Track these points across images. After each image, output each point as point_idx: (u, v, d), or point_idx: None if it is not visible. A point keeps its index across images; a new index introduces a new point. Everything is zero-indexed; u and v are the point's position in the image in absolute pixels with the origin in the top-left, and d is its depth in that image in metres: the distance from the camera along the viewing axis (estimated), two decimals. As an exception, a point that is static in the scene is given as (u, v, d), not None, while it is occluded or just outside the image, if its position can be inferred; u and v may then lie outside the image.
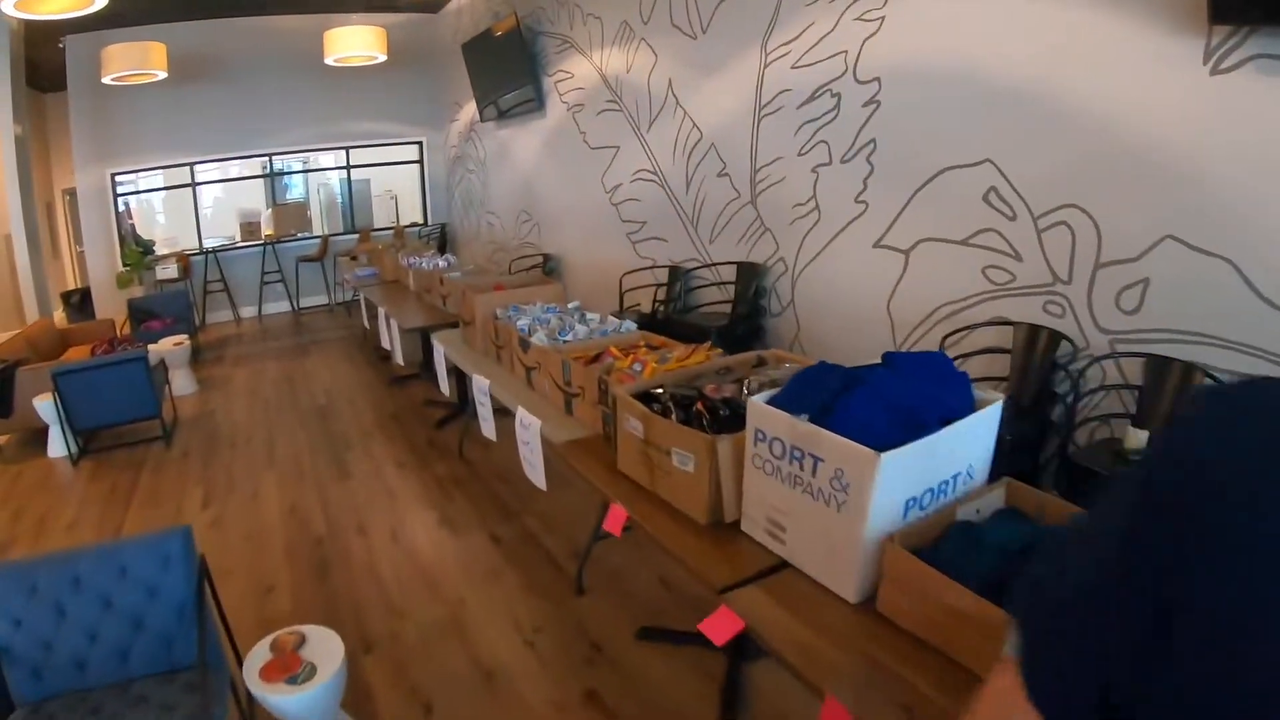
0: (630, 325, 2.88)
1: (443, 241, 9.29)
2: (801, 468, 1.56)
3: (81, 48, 7.62)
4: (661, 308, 4.65)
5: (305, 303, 9.24)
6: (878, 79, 3.27)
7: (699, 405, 1.91)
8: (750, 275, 4.08)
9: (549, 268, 6.66)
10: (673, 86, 4.64)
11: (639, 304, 4.82)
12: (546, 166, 6.68)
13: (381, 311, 4.74)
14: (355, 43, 6.75)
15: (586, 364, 2.51)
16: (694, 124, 4.50)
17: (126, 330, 6.86)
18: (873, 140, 3.34)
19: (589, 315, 3.02)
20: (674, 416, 1.91)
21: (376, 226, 9.53)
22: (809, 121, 3.64)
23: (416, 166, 9.67)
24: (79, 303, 8.79)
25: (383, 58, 6.95)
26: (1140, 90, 2.43)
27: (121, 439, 4.86)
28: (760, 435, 1.65)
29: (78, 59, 7.70)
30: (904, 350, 3.39)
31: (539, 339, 2.76)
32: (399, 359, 4.57)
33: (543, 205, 6.89)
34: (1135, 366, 2.58)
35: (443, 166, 9.60)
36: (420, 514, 3.55)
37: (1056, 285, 2.79)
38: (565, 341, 2.78)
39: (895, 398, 1.62)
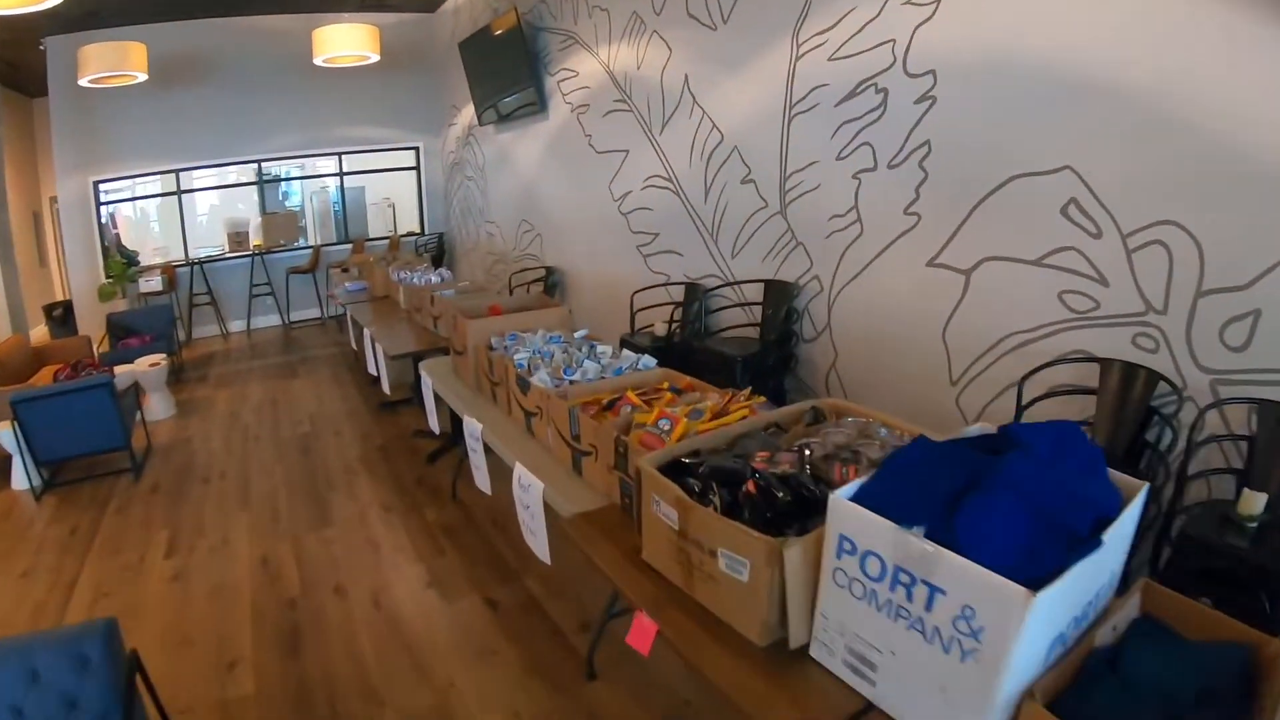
0: (649, 361, 2.45)
1: (440, 252, 8.86)
2: (909, 597, 1.13)
3: (61, 50, 7.21)
4: (678, 330, 4.20)
5: (296, 316, 8.82)
6: (932, 72, 2.84)
7: (749, 486, 1.47)
8: (781, 295, 3.63)
9: (552, 281, 6.22)
10: (689, 83, 4.20)
11: (652, 325, 4.37)
12: (549, 172, 6.25)
13: (367, 333, 4.31)
14: (346, 42, 6.33)
15: (598, 413, 2.08)
16: (714, 125, 4.06)
17: (104, 347, 6.45)
18: (926, 142, 2.90)
19: (599, 348, 2.59)
20: (716, 500, 1.48)
21: (372, 236, 9.13)
22: (849, 121, 3.20)
23: (413, 173, 9.25)
24: (62, 317, 8.38)
25: (375, 58, 6.53)
26: (1257, 88, 2.00)
27: (89, 470, 4.45)
28: (848, 546, 1.22)
29: (58, 61, 7.31)
30: (998, 411, 2.94)
31: (541, 379, 2.33)
32: (386, 388, 4.15)
33: (545, 214, 6.46)
34: (1239, 412, 2.16)
35: (440, 174, 9.18)
36: (406, 572, 3.11)
37: (1149, 315, 2.36)
38: (571, 382, 2.34)
39: (1039, 498, 1.20)
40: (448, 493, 3.79)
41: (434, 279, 4.93)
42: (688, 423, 1.77)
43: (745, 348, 3.56)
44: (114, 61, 6.29)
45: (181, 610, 2.96)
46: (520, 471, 2.12)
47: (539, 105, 6.02)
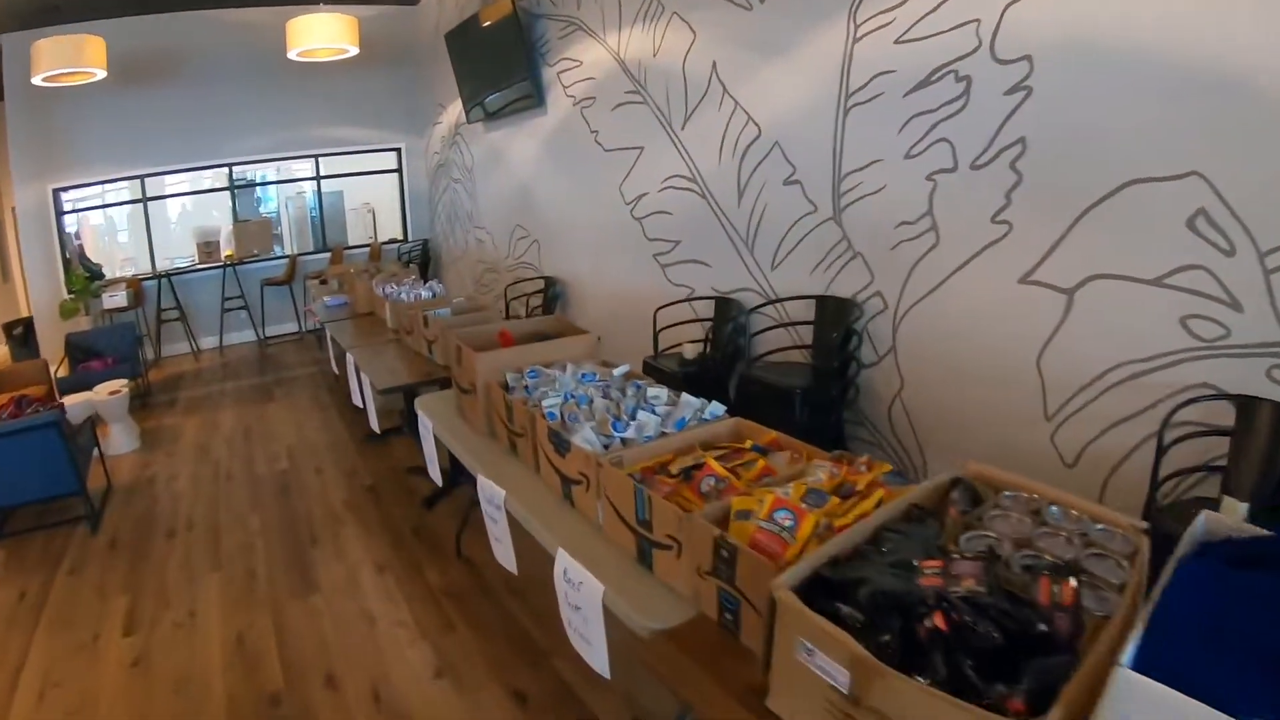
0: (716, 409, 1.98)
1: (425, 260, 8.33)
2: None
3: (17, 47, 6.61)
4: (710, 352, 3.71)
5: (272, 331, 8.25)
6: (1027, 57, 2.41)
7: (937, 620, 1.02)
8: (838, 315, 3.16)
9: (552, 294, 5.73)
10: (717, 71, 3.73)
11: (679, 345, 3.88)
12: (548, 173, 5.76)
13: (351, 359, 3.79)
14: (322, 33, 5.79)
15: (676, 489, 1.61)
16: (749, 117, 3.58)
17: (64, 371, 5.87)
18: (1020, 140, 2.47)
19: (651, 391, 2.12)
20: (889, 640, 1.03)
21: (351, 244, 8.58)
22: (922, 114, 2.75)
23: (394, 176, 8.72)
24: (23, 336, 7.74)
25: (354, 50, 6.00)
26: None
27: (41, 518, 3.91)
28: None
29: (13, 60, 6.71)
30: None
31: (585, 438, 1.85)
32: (374, 424, 3.64)
33: (543, 219, 5.96)
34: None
35: (424, 176, 8.66)
36: (410, 654, 2.61)
37: (1288, 345, 1.98)
38: (624, 440, 1.87)
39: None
40: (450, 547, 3.28)
41: (424, 294, 4.42)
42: (812, 513, 1.31)
43: (798, 376, 3.10)
44: (69, 57, 5.72)
45: (144, 709, 2.45)
46: (567, 563, 1.66)
47: (536, 99, 5.53)
